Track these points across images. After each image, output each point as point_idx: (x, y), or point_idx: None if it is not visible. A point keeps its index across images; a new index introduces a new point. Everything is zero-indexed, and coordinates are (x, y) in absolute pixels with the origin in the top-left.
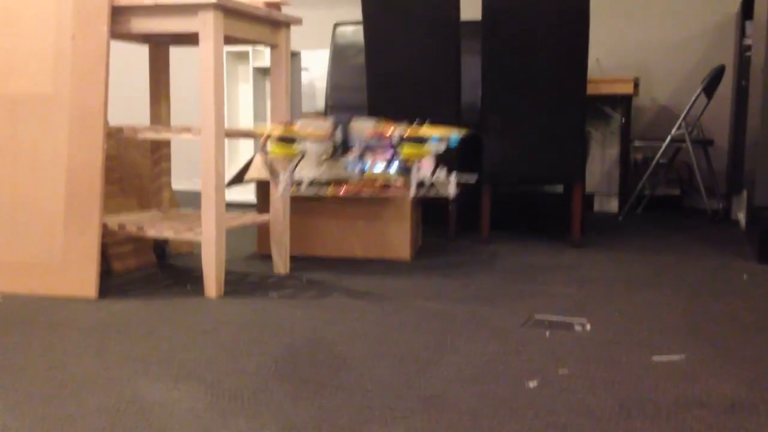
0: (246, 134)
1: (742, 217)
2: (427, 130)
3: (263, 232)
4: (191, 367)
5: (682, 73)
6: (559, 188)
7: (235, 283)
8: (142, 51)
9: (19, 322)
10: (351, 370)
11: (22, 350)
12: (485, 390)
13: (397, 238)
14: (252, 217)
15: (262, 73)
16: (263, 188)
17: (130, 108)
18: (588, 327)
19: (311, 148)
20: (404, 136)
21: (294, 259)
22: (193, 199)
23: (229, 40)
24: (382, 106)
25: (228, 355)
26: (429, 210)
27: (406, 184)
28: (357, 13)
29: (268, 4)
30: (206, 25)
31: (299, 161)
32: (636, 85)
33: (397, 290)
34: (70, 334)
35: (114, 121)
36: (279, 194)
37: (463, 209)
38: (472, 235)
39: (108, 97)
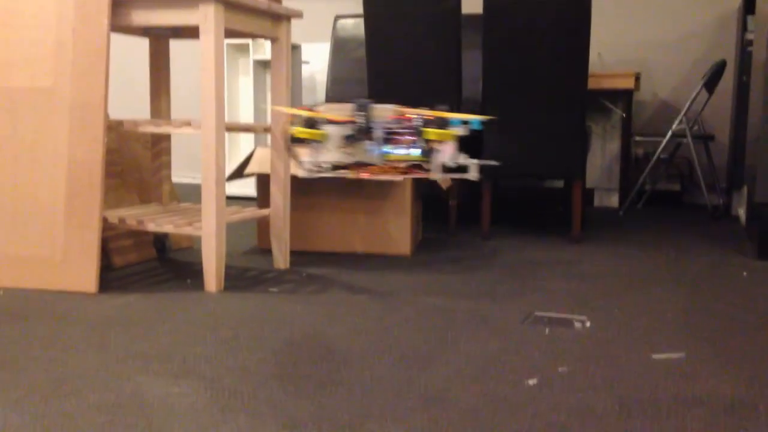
0: (246, 129)
1: (742, 212)
2: (449, 114)
3: (263, 226)
4: (191, 363)
5: (684, 68)
6: (560, 183)
7: (236, 278)
8: (143, 44)
9: (19, 316)
10: (351, 367)
11: (22, 345)
12: (485, 388)
13: (397, 233)
14: (252, 212)
15: (262, 65)
16: (264, 182)
17: (130, 101)
18: (588, 324)
19: (334, 131)
20: (428, 119)
21: (294, 253)
22: (193, 192)
23: (229, 33)
24: (382, 101)
25: (228, 350)
26: (429, 205)
27: (429, 167)
28: (358, 6)
29: None
30: (207, 18)
31: (323, 144)
32: (637, 80)
33: (398, 286)
34: (70, 329)
35: (114, 114)
36: (303, 175)
37: (464, 204)
38: (473, 229)
39: (108, 90)
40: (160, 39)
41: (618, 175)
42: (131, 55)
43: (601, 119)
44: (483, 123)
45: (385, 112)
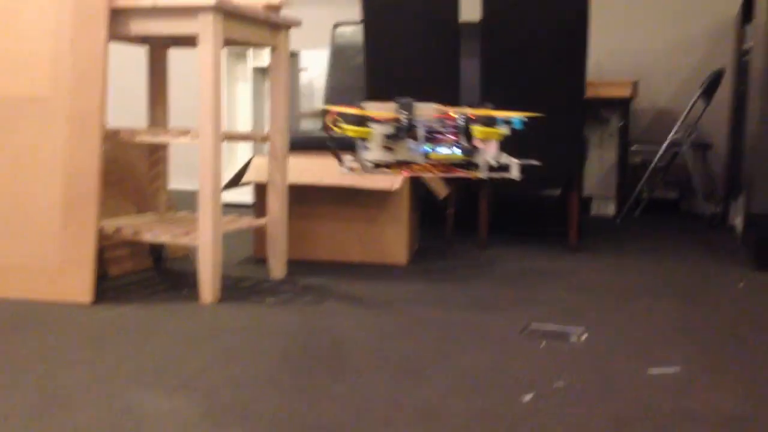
0: (244, 137)
1: (738, 222)
2: (494, 112)
3: (260, 235)
4: (186, 376)
5: (681, 77)
6: (556, 192)
7: (231, 288)
8: (140, 51)
9: (11, 328)
10: (347, 379)
11: (13, 359)
12: (480, 404)
13: (393, 242)
14: (249, 221)
15: (261, 72)
16: (261, 191)
17: (127, 109)
18: (584, 337)
19: (377, 129)
20: (470, 118)
21: (290, 262)
22: (191, 200)
23: (228, 42)
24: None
25: (223, 363)
26: (426, 213)
27: (474, 166)
28: (356, 13)
29: (267, 7)
30: (206, 27)
31: (368, 142)
32: (635, 89)
33: (394, 296)
34: (64, 341)
35: (112, 122)
36: (343, 173)
37: (460, 212)
38: (470, 238)
39: (106, 98)
40: (158, 47)
41: (615, 183)
42: (128, 62)
43: (598, 128)
44: (523, 123)
45: (428, 111)
